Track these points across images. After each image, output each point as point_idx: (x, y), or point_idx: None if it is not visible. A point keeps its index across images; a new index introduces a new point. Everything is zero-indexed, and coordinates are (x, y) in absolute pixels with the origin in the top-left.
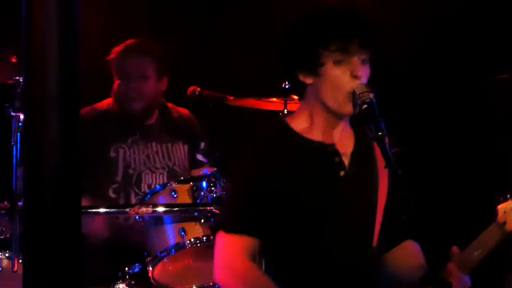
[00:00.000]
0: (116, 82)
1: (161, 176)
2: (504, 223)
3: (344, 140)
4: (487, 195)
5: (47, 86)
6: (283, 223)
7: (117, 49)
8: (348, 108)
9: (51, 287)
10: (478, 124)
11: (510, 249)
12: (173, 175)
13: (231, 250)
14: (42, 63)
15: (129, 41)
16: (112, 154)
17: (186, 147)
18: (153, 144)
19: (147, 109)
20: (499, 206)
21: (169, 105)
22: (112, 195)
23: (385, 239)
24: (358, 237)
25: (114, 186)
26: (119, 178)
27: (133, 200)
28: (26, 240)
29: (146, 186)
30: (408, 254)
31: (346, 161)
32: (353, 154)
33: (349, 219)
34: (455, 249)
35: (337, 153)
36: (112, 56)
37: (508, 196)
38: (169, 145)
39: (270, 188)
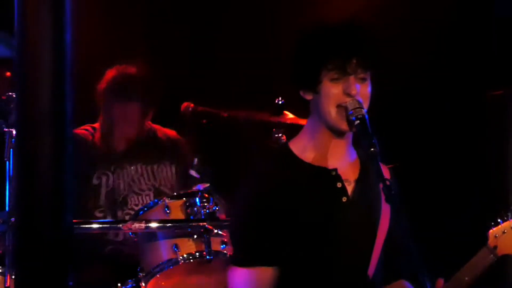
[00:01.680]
0: (102, 117)
1: (147, 197)
2: (495, 247)
3: (348, 166)
4: (479, 220)
5: (40, 102)
6: (283, 248)
7: (102, 86)
8: (344, 125)
9: None
10: (472, 143)
11: (503, 271)
12: (159, 195)
13: (252, 285)
14: (35, 79)
15: (113, 75)
16: (95, 181)
17: (173, 167)
18: (138, 166)
19: (131, 146)
20: (490, 231)
21: (156, 126)
22: (99, 214)
23: (386, 271)
24: (354, 265)
25: (100, 209)
26: (102, 203)
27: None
28: (18, 257)
29: (133, 206)
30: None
31: (349, 187)
32: (357, 181)
33: (348, 245)
34: (440, 281)
35: (339, 178)
36: (99, 88)
37: (499, 221)
38: (155, 166)
39: (273, 215)
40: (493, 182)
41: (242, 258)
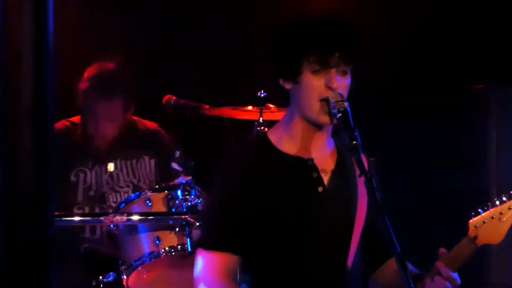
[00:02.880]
0: (82, 116)
1: (125, 195)
2: (475, 237)
3: (325, 156)
4: (459, 210)
5: (21, 97)
6: (259, 238)
7: (83, 85)
8: (324, 118)
9: None
10: (452, 136)
11: (486, 262)
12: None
13: (211, 268)
14: (16, 74)
15: (93, 73)
16: (73, 178)
17: (153, 161)
18: (118, 161)
19: (113, 143)
20: (470, 221)
21: (135, 118)
22: (77, 211)
23: (370, 256)
24: (332, 254)
25: (77, 205)
26: (80, 200)
27: None
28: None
29: (111, 202)
30: (393, 271)
31: (325, 177)
32: (334, 171)
33: (325, 235)
34: (443, 251)
35: (315, 168)
36: (80, 88)
37: (480, 210)
38: (134, 161)
39: (246, 203)
40: (474, 173)
41: (207, 242)
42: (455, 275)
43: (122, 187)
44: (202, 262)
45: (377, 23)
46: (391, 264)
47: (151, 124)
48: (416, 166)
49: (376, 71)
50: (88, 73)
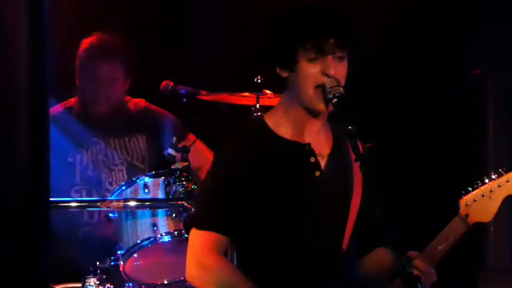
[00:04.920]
0: (83, 84)
1: (120, 173)
2: (467, 215)
3: (321, 141)
4: (450, 190)
5: (16, 79)
6: (255, 221)
7: (83, 48)
8: (321, 105)
9: (20, 282)
10: (447, 119)
11: (483, 247)
12: (132, 170)
13: (200, 245)
14: (11, 57)
15: (94, 39)
16: (70, 159)
17: (144, 137)
18: (111, 139)
19: (112, 111)
20: (461, 200)
21: (126, 98)
22: (75, 195)
23: (361, 242)
24: (328, 237)
25: (75, 188)
26: (78, 181)
27: None
28: None
29: (107, 184)
30: (383, 258)
31: (322, 162)
32: (330, 155)
33: (321, 219)
34: (413, 253)
35: (312, 153)
36: (80, 52)
37: (470, 189)
38: (126, 139)
39: (242, 186)
40: (468, 157)
41: (199, 221)
42: (432, 270)
43: (116, 165)
44: (194, 240)
45: (375, 6)
46: (380, 252)
47: (140, 101)
48: (408, 150)
49: (373, 55)
50: (88, 40)
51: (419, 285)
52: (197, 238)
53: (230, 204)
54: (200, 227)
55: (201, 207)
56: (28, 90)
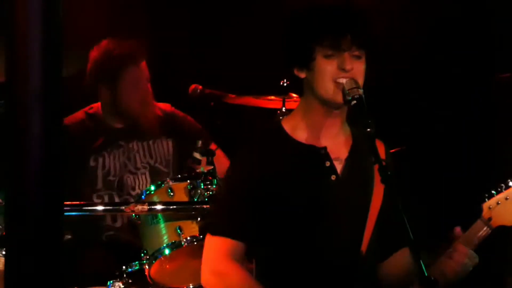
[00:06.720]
0: (104, 92)
1: (142, 176)
2: (490, 219)
3: (339, 144)
4: (474, 193)
5: (29, 81)
6: (271, 226)
7: (103, 54)
8: (339, 97)
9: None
10: (477, 123)
11: (509, 252)
12: (155, 174)
13: (215, 252)
14: (25, 59)
15: (111, 44)
16: (92, 163)
17: (170, 141)
18: (134, 142)
19: (138, 115)
20: (484, 203)
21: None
22: (96, 200)
23: (381, 245)
24: (346, 241)
25: (98, 193)
26: (100, 186)
27: None
28: (8, 239)
29: (129, 189)
30: (403, 261)
31: (339, 165)
32: (348, 159)
33: (338, 223)
34: (458, 229)
35: (327, 157)
36: (93, 57)
37: (493, 192)
38: (150, 142)
39: (258, 191)
40: (494, 159)
41: (216, 227)
42: (473, 252)
43: (138, 169)
44: (209, 246)
45: (401, 6)
46: (404, 254)
47: (165, 106)
48: (437, 150)
49: (400, 57)
50: (104, 45)
51: None
52: (212, 244)
53: (244, 209)
54: (214, 233)
55: (216, 213)
56: (42, 93)
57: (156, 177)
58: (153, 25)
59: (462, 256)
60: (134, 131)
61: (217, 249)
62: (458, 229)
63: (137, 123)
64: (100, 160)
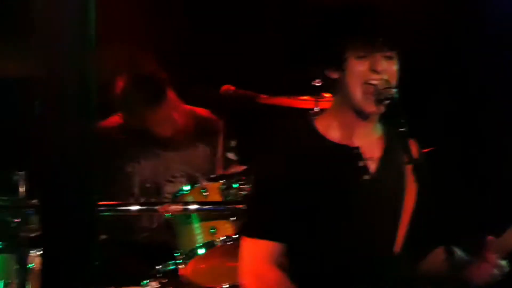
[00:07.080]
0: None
1: (180, 185)
2: None
3: (372, 144)
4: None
5: (64, 83)
6: (304, 226)
7: (120, 89)
8: (370, 107)
9: (68, 285)
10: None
11: None
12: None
13: (255, 256)
14: (60, 62)
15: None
16: (129, 169)
17: (207, 149)
18: (171, 151)
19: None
20: None
21: (187, 107)
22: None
23: (416, 245)
24: (377, 241)
25: (134, 198)
26: (136, 192)
27: None
28: (43, 238)
29: (166, 196)
30: (438, 261)
31: (372, 165)
32: (381, 159)
33: (371, 223)
34: (491, 238)
35: (361, 157)
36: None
37: None
38: (188, 150)
39: (291, 191)
40: None
41: (250, 229)
42: (502, 262)
43: (176, 177)
44: (245, 250)
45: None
46: (439, 253)
47: (203, 112)
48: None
49: (430, 58)
50: (124, 80)
51: None
52: (249, 247)
53: (277, 210)
54: (252, 236)
55: (251, 214)
56: (77, 94)
57: None
58: (185, 26)
59: (491, 267)
60: (171, 140)
61: (255, 251)
62: (490, 238)
63: (168, 133)
64: (138, 166)
